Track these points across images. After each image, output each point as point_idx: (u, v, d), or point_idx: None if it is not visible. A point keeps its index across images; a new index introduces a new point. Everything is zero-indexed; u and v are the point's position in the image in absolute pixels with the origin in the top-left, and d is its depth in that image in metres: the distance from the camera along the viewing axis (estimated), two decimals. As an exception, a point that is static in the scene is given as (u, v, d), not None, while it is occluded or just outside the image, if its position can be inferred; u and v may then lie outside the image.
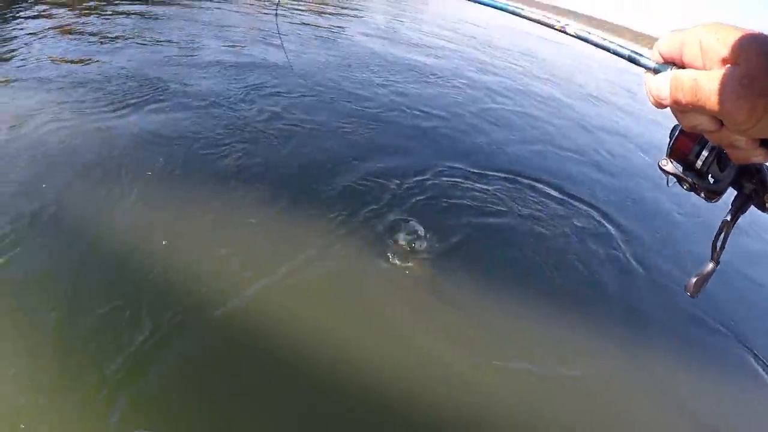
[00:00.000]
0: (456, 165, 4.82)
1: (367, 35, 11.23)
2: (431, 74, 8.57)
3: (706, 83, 0.46)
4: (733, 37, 0.46)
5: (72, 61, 5.29)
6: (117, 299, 2.40)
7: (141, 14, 8.34)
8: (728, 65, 0.46)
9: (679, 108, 0.51)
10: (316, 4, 14.32)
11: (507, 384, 2.61)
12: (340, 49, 8.84)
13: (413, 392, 2.39)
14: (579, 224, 4.40)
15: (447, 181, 4.47)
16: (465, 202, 4.21)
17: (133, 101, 4.52)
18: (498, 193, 4.50)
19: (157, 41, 6.77)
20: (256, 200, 3.46)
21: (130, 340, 2.20)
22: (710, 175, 0.61)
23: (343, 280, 2.96)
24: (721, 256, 0.66)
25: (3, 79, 4.51)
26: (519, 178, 4.94)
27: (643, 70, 0.56)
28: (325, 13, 13.14)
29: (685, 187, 0.64)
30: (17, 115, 3.85)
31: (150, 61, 5.71)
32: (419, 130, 5.69)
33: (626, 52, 0.58)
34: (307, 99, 5.68)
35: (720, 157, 0.60)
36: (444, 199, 4.10)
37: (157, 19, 8.31)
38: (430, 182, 4.36)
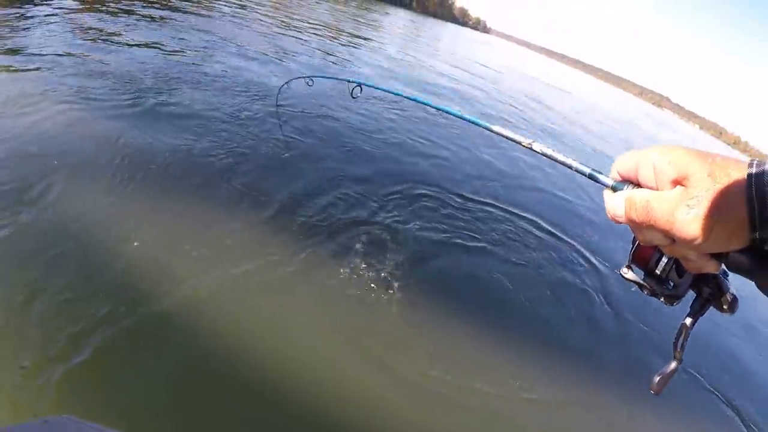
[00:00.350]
0: (434, 189, 5.06)
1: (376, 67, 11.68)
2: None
3: (656, 204, 0.50)
4: (684, 159, 0.48)
5: (80, 56, 5.54)
6: (78, 288, 2.49)
7: (154, 17, 8.73)
8: (678, 186, 0.49)
9: (633, 226, 0.54)
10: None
11: (461, 400, 2.67)
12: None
13: (368, 403, 2.45)
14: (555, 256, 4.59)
15: (425, 202, 4.68)
16: (440, 225, 4.38)
17: (134, 101, 4.73)
18: (478, 220, 4.70)
19: (167, 47, 7.08)
20: (237, 207, 3.59)
21: (80, 325, 2.28)
22: (669, 281, 0.64)
23: (301, 286, 3.03)
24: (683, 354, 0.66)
25: (12, 68, 4.75)
26: (504, 207, 5.17)
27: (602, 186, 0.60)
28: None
29: (645, 292, 0.66)
30: (22, 103, 4.04)
31: (154, 66, 5.96)
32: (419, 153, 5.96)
33: (587, 170, 0.64)
34: (308, 116, 5.92)
35: (678, 264, 0.62)
36: (419, 221, 4.24)
37: (167, 24, 8.67)
38: (409, 200, 4.56)
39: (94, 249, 2.78)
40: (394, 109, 7.65)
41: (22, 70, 4.76)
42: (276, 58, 8.72)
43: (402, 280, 3.34)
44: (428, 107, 0.93)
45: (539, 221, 5.26)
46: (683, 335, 0.64)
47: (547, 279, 4.14)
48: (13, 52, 5.23)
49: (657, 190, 0.51)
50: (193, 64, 6.63)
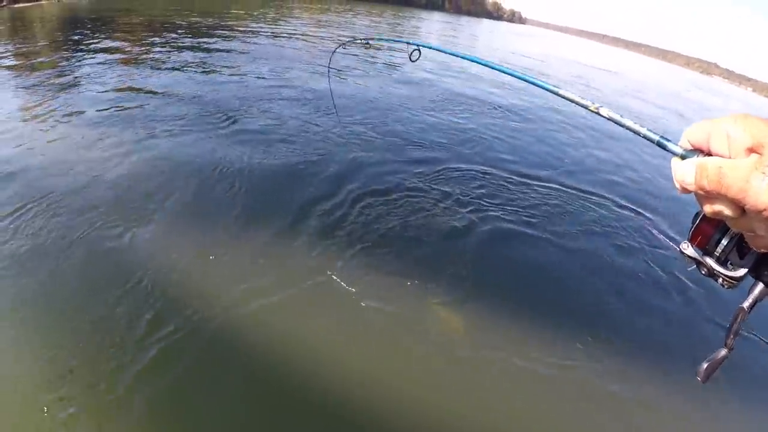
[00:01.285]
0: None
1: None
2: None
3: (730, 170, 0.48)
4: (760, 126, 0.48)
5: (133, 89, 7.23)
6: (118, 305, 3.04)
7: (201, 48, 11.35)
8: (753, 154, 0.48)
9: (703, 194, 0.53)
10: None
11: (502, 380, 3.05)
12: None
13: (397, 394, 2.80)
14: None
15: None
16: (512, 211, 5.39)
17: (186, 128, 6.18)
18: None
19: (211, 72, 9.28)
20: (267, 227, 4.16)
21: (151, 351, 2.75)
22: (729, 263, 0.62)
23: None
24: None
25: (70, 110, 6.38)
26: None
27: (670, 155, 0.58)
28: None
29: (703, 272, 0.65)
30: (81, 138, 5.48)
31: (205, 95, 7.81)
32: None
33: (655, 137, 0.62)
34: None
35: (740, 245, 0.60)
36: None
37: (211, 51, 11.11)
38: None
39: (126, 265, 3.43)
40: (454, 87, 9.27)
41: (129, 108, 6.70)
42: (326, 73, 10.58)
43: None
44: (494, 70, 1.10)
45: (613, 197, 6.26)
46: (739, 320, 0.63)
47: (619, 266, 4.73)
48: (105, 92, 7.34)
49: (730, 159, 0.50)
50: (269, 86, 8.89)
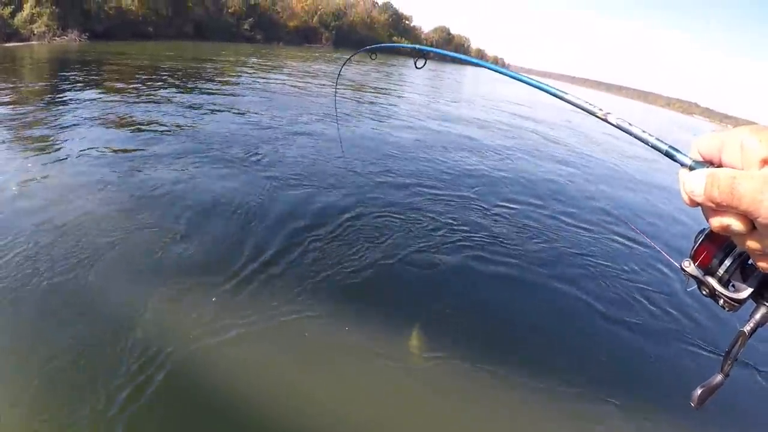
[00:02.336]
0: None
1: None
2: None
3: (744, 181, 0.46)
4: None
5: (120, 150, 6.86)
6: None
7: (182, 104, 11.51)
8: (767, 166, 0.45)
9: (712, 207, 0.49)
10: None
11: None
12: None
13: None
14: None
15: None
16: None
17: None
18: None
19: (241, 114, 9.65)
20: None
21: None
22: (732, 284, 0.59)
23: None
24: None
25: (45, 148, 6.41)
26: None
27: (678, 165, 0.55)
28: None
29: (704, 292, 0.62)
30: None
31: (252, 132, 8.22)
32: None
33: (664, 147, 0.59)
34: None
35: (744, 267, 0.58)
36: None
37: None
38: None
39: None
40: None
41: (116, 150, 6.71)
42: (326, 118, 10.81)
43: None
44: (504, 75, 1.06)
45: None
46: (739, 344, 0.61)
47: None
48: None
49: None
50: (271, 127, 9.17)
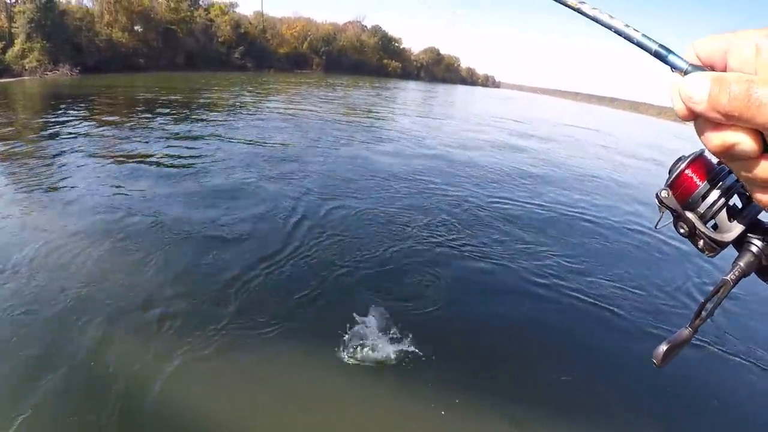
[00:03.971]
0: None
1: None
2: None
3: (763, 88, 0.36)
4: None
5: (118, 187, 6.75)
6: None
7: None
8: None
9: (716, 117, 0.38)
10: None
11: None
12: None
13: None
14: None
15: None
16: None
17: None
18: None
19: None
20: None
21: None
22: (714, 221, 0.50)
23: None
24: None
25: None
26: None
27: (668, 69, 0.43)
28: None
29: (681, 231, 0.53)
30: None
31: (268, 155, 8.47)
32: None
33: (653, 46, 0.45)
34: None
35: (728, 205, 0.50)
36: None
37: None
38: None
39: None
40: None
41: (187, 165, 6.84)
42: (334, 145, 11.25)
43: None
44: None
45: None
46: (720, 294, 0.49)
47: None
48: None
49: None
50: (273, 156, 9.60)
